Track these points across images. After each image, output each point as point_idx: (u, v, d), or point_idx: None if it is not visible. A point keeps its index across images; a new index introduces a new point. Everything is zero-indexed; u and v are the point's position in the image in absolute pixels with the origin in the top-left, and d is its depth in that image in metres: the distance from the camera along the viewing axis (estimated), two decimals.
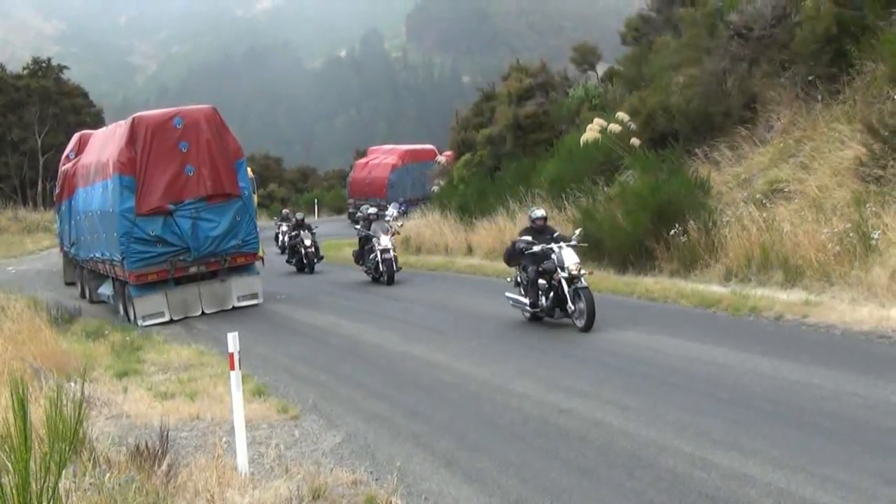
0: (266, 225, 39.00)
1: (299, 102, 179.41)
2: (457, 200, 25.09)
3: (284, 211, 33.07)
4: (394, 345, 12.11)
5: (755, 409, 7.41)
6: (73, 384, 8.80)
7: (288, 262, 23.84)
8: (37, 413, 5.44)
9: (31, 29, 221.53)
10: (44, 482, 3.83)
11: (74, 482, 4.96)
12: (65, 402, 4.60)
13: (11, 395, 3.99)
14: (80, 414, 4.49)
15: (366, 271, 19.39)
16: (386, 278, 18.41)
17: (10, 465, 3.89)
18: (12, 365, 9.02)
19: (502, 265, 19.71)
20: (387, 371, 10.59)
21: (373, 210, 20.38)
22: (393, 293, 17.53)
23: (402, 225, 22.46)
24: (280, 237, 29.96)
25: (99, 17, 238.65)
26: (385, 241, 18.59)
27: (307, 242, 22.94)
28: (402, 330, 13.27)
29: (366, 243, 19.41)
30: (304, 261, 22.97)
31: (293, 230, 23.69)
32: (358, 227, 20.15)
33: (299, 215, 25.17)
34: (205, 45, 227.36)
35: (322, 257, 23.61)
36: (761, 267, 12.74)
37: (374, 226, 19.15)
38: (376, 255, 18.65)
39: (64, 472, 4.60)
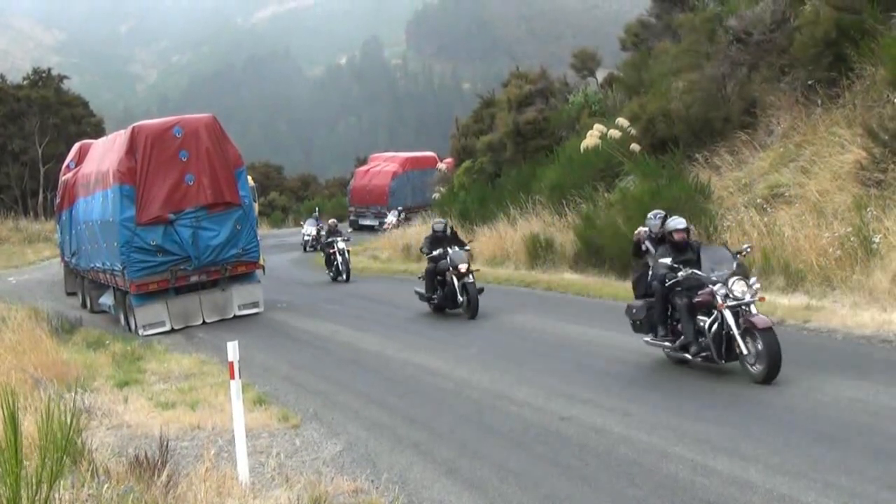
0: (266, 233, 38.89)
1: (300, 110, 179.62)
2: (457, 207, 25.13)
3: (332, 221, 25.00)
4: (394, 352, 12.08)
5: (756, 415, 7.39)
6: (73, 394, 8.79)
7: (423, 298, 15.61)
8: (35, 424, 5.41)
9: (31, 39, 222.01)
10: (35, 494, 3.81)
11: (73, 493, 4.93)
12: (62, 411, 4.58)
13: (3, 406, 3.96)
14: (74, 424, 4.46)
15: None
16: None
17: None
18: (11, 375, 8.99)
19: (504, 271, 19.87)
20: (387, 379, 10.56)
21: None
22: (393, 301, 17.49)
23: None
24: (336, 258, 22.24)
25: (99, 27, 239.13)
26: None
27: (462, 268, 14.63)
28: (402, 338, 13.25)
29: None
30: (460, 298, 14.73)
31: (430, 247, 15.63)
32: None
33: (438, 224, 16.26)
34: (205, 54, 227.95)
35: (482, 289, 14.91)
36: (762, 272, 12.70)
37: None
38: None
39: (62, 482, 4.58)
